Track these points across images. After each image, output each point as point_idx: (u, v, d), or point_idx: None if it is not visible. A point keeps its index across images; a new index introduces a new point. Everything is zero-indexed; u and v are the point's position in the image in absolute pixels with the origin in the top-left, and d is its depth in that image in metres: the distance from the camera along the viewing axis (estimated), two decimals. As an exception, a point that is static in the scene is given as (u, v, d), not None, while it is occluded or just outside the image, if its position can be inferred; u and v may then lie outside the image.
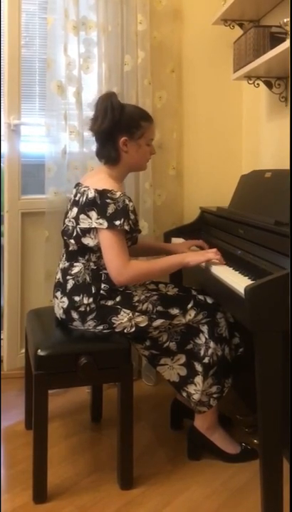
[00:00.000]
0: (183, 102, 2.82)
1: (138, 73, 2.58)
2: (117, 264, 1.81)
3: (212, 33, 2.74)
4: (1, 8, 2.47)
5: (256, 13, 2.48)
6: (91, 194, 1.84)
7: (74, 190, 1.99)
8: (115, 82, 2.57)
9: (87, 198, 1.85)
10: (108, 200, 1.82)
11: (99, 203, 1.83)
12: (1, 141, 2.55)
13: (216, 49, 2.80)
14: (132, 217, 1.86)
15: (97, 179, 1.91)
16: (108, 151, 1.95)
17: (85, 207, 1.85)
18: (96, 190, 1.84)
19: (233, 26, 2.58)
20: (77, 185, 1.99)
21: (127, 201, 1.84)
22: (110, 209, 1.81)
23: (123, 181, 2.05)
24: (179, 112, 2.79)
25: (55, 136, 2.56)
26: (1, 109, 2.57)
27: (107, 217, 1.81)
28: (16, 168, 2.61)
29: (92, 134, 1.99)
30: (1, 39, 2.54)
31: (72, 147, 2.57)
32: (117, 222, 1.80)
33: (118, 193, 1.84)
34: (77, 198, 1.91)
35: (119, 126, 1.92)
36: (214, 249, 1.93)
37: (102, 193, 1.83)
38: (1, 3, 2.46)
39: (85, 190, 1.88)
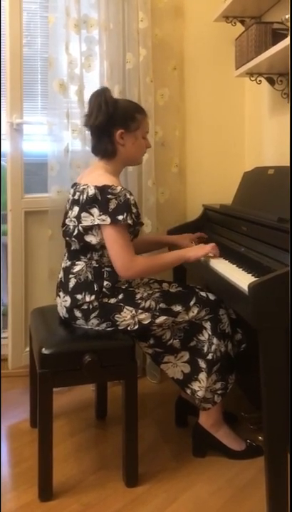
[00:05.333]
0: (185, 100, 2.81)
1: (140, 71, 2.58)
2: (124, 259, 1.82)
3: (214, 29, 2.73)
4: (3, 8, 2.48)
5: (258, 9, 2.47)
6: (91, 191, 1.85)
7: (72, 190, 1.99)
8: (117, 80, 2.57)
9: (87, 195, 1.85)
10: (109, 196, 1.82)
11: (100, 199, 1.83)
12: (4, 140, 2.55)
13: (218, 46, 2.79)
14: (134, 210, 1.86)
15: (96, 176, 1.91)
16: (105, 144, 1.96)
17: (87, 205, 1.85)
18: (96, 187, 1.84)
19: (234, 23, 2.57)
20: (75, 184, 2.00)
21: (128, 195, 1.84)
22: (112, 204, 1.81)
23: (119, 176, 2.06)
24: (181, 109, 2.79)
25: (57, 135, 2.56)
26: (4, 108, 2.58)
27: (109, 212, 1.80)
28: (19, 166, 2.61)
29: (88, 129, 2.01)
30: (3, 38, 2.55)
31: (74, 145, 2.57)
32: (120, 217, 1.80)
33: (119, 188, 1.84)
34: (76, 197, 1.92)
35: (114, 120, 1.94)
36: (212, 244, 1.97)
37: (103, 189, 1.83)
38: (2, 3, 2.47)
39: (84, 188, 1.88)
